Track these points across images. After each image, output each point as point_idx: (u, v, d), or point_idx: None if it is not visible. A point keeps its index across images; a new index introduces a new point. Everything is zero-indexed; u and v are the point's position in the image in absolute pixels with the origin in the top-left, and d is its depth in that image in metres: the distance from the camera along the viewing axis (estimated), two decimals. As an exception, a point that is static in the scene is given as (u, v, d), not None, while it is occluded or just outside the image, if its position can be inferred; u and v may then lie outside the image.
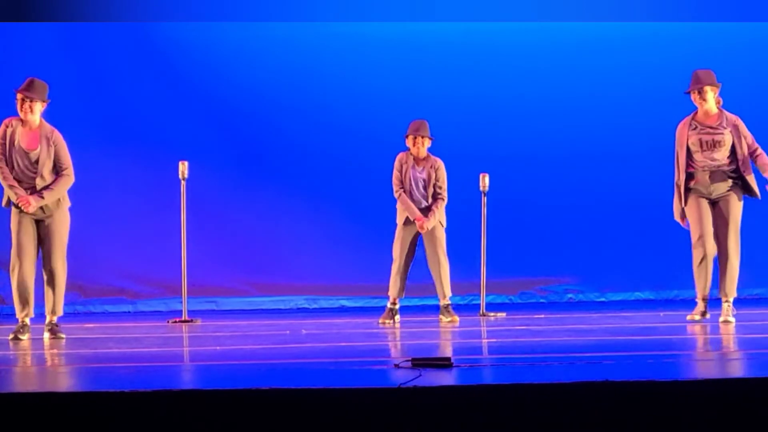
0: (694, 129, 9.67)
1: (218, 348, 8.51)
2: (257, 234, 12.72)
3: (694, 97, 9.72)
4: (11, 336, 9.20)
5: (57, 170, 9.32)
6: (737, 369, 6.36)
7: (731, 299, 9.66)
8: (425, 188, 10.29)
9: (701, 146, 9.63)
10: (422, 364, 6.43)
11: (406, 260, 10.31)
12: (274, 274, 12.66)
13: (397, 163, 10.34)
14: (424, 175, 10.29)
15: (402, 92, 12.56)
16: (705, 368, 6.50)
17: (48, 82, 12.55)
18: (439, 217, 10.28)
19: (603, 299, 12.83)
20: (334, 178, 12.67)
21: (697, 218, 9.68)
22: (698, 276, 9.73)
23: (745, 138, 9.68)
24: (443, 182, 10.33)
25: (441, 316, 10.29)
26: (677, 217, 9.87)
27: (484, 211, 11.23)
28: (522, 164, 12.62)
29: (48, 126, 9.40)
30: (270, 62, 12.71)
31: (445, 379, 6.01)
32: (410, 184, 10.26)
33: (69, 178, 9.32)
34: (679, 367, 6.53)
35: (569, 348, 7.90)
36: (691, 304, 12.34)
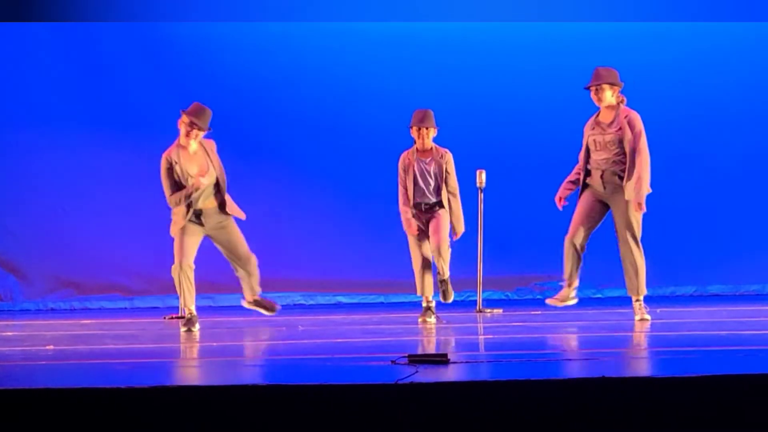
0: (593, 128, 9.56)
1: (215, 344, 8.51)
2: (253, 230, 12.69)
3: (592, 94, 9.60)
4: (184, 328, 9.37)
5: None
6: (737, 366, 6.37)
7: (642, 297, 9.54)
8: (434, 180, 9.82)
9: (595, 146, 9.50)
10: (419, 360, 6.43)
11: (425, 253, 9.80)
12: (270, 270, 12.60)
13: (400, 164, 9.91)
14: (432, 167, 9.83)
15: (400, 90, 12.57)
16: (702, 364, 6.50)
17: (47, 81, 12.62)
18: (455, 221, 9.86)
19: (600, 296, 12.84)
20: (330, 175, 12.66)
21: (577, 215, 9.65)
22: (567, 261, 9.73)
23: (633, 136, 9.44)
24: (454, 175, 9.91)
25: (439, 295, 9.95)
26: (556, 198, 9.76)
27: (480, 207, 11.22)
28: (519, 160, 12.62)
29: (204, 143, 9.49)
30: (268, 60, 12.71)
31: (442, 375, 6.00)
32: (415, 178, 9.81)
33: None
34: (676, 363, 6.53)
35: (565, 344, 7.90)
36: (688, 300, 12.38)
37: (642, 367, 6.42)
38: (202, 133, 9.40)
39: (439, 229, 9.80)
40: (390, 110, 12.26)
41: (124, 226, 12.52)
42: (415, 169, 9.82)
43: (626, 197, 9.33)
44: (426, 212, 9.85)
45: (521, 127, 12.72)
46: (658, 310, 10.80)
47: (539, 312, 10.83)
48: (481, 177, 11.23)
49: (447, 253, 9.84)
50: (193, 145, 9.40)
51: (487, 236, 11.46)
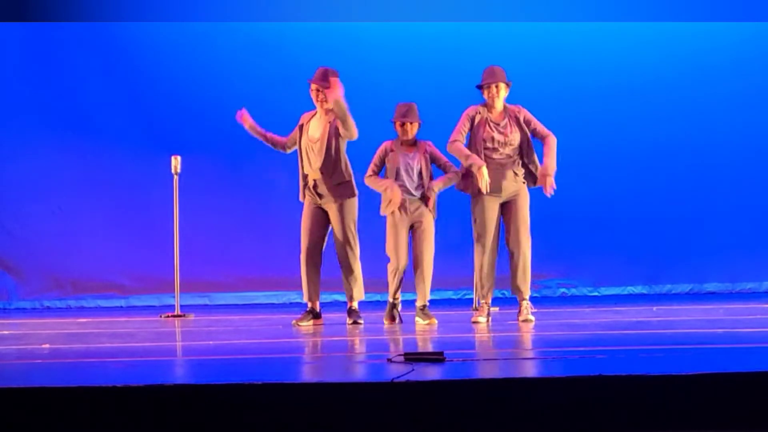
0: (488, 125, 9.50)
1: (211, 343, 8.50)
2: (250, 229, 12.73)
3: (489, 91, 9.56)
4: (294, 321, 9.56)
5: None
6: (733, 364, 6.37)
7: (527, 297, 9.63)
8: (417, 175, 9.57)
9: (494, 144, 9.47)
10: (415, 358, 6.42)
11: (405, 257, 9.56)
12: (266, 269, 12.66)
13: (380, 150, 9.71)
14: (416, 162, 9.58)
15: (397, 89, 12.55)
16: (698, 362, 6.50)
17: (42, 81, 12.62)
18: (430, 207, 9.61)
19: (596, 294, 12.85)
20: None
21: (483, 222, 9.49)
22: (489, 278, 9.61)
23: (536, 126, 9.56)
24: (444, 157, 9.67)
25: (417, 318, 9.66)
26: (480, 186, 9.32)
27: (477, 205, 11.20)
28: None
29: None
30: (264, 59, 12.72)
31: (438, 373, 6.00)
32: (397, 172, 9.55)
33: (350, 130, 9.50)
34: (672, 361, 6.53)
35: (562, 342, 7.91)
36: (684, 297, 12.39)
37: (638, 365, 6.42)
38: (319, 92, 9.54)
39: (425, 248, 9.59)
40: (386, 109, 12.26)
41: (120, 225, 12.52)
42: (399, 162, 9.61)
43: (542, 173, 9.44)
44: (412, 212, 9.59)
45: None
46: (655, 308, 10.81)
47: (535, 310, 10.82)
48: (478, 175, 11.20)
49: (430, 274, 9.65)
50: (326, 107, 9.53)
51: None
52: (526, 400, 5.51)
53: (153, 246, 12.34)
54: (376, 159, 9.74)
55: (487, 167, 9.41)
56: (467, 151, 9.44)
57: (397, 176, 9.60)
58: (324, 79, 9.49)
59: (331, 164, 9.50)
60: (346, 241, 9.52)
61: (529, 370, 6.39)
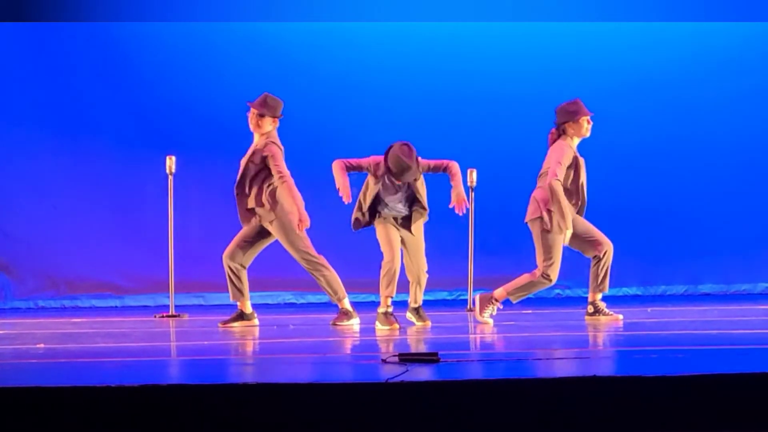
0: (579, 164, 9.37)
1: (205, 343, 8.50)
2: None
3: (588, 126, 9.41)
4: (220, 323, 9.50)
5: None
6: (728, 365, 6.38)
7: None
8: (404, 193, 9.20)
9: (582, 179, 9.40)
10: (409, 359, 6.42)
11: (399, 253, 9.26)
12: (261, 269, 12.58)
13: (366, 163, 9.34)
14: (405, 191, 9.23)
15: (393, 89, 12.55)
16: (693, 363, 6.51)
17: (36, 81, 12.60)
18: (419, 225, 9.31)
19: (590, 295, 12.83)
20: (321, 173, 12.63)
21: (560, 252, 9.38)
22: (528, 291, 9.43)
23: None
24: (430, 162, 9.20)
25: (410, 315, 9.44)
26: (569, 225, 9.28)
27: (471, 206, 11.22)
28: (510, 159, 12.61)
29: (265, 140, 9.47)
30: (261, 59, 12.70)
31: (432, 374, 6.00)
32: (378, 191, 9.24)
33: (283, 186, 9.37)
34: (667, 362, 6.54)
35: (556, 344, 7.91)
36: (679, 299, 12.40)
37: (633, 366, 6.43)
38: (261, 119, 9.53)
39: (419, 260, 9.30)
40: (383, 110, 12.26)
41: (115, 225, 12.51)
42: (381, 184, 9.24)
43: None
44: (402, 225, 9.31)
45: (513, 125, 12.72)
46: (649, 309, 10.82)
47: (530, 311, 10.83)
48: (473, 176, 11.23)
49: (425, 281, 9.38)
50: (257, 134, 9.61)
51: (478, 235, 11.45)
52: (521, 401, 5.51)
53: (148, 246, 12.32)
54: (357, 162, 9.41)
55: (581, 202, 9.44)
56: (566, 201, 9.25)
57: (378, 194, 9.29)
58: (263, 106, 9.49)
59: (242, 188, 9.52)
60: (298, 256, 9.65)
61: (523, 371, 6.39)
